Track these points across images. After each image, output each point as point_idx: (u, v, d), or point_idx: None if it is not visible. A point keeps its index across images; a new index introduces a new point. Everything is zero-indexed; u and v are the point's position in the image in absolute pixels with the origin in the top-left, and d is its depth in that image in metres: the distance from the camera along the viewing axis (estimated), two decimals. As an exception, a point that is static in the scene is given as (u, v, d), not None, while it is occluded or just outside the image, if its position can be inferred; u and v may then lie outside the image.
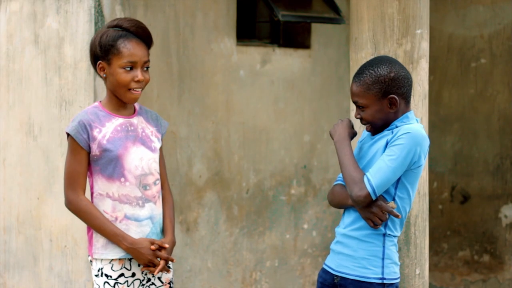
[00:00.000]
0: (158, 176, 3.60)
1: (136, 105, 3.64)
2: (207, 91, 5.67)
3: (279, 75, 6.05)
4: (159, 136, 3.65)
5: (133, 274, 3.53)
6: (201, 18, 5.60)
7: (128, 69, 3.49)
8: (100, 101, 3.60)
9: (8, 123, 5.25)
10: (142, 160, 3.54)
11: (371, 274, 3.35)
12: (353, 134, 3.47)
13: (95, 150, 3.48)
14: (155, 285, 3.59)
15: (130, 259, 3.53)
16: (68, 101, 4.96)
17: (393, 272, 3.38)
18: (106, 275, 3.50)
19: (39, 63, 5.07)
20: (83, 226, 4.93)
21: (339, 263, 3.41)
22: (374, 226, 3.34)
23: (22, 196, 5.19)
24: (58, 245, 5.04)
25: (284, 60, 6.08)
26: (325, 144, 6.30)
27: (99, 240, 3.52)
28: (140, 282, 3.55)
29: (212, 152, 5.73)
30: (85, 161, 3.51)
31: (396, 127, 3.37)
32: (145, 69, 3.53)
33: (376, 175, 3.28)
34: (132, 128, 3.56)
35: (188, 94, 5.56)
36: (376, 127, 3.43)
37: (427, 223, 4.03)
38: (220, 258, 5.79)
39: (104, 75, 3.54)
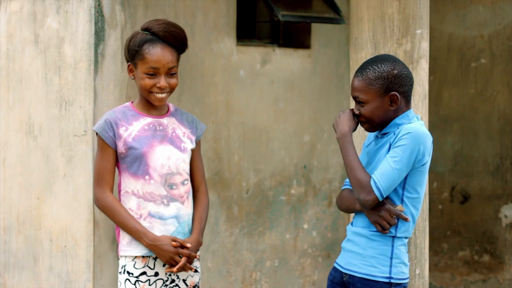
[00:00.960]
0: (187, 177, 3.62)
1: (172, 106, 3.69)
2: (207, 91, 5.67)
3: (279, 75, 6.05)
4: (193, 138, 3.67)
5: (156, 274, 3.55)
6: (201, 18, 5.60)
7: (151, 74, 3.52)
8: (132, 101, 3.64)
9: (8, 123, 5.25)
10: (169, 159, 3.56)
11: (379, 273, 3.35)
12: (355, 125, 3.45)
13: (121, 147, 3.53)
14: (179, 287, 3.59)
15: (154, 258, 3.55)
16: (68, 101, 4.97)
17: (401, 272, 3.38)
18: (128, 272, 3.53)
19: (39, 63, 5.07)
20: (83, 226, 4.94)
21: (348, 261, 3.42)
22: (383, 230, 3.34)
23: (22, 196, 5.19)
24: (58, 245, 5.04)
25: (284, 60, 6.08)
26: (325, 144, 6.30)
27: (124, 238, 3.57)
28: (164, 283, 3.56)
29: (212, 152, 5.73)
30: (112, 158, 3.55)
31: (398, 128, 3.37)
32: (171, 74, 3.55)
33: (382, 177, 3.28)
34: (161, 127, 3.59)
35: (188, 94, 5.57)
36: (374, 125, 3.42)
37: (427, 223, 4.03)
38: (220, 258, 5.79)
39: (132, 77, 3.59)
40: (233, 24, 5.79)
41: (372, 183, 3.29)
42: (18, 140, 5.19)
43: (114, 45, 4.96)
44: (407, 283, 3.42)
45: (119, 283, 3.56)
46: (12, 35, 5.21)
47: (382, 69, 3.36)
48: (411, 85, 3.42)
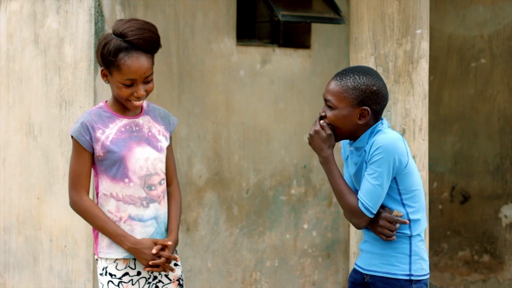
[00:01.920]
0: (163, 176, 3.59)
1: (144, 103, 3.62)
2: (207, 91, 5.67)
3: (279, 75, 6.05)
4: (167, 135, 3.63)
5: (138, 273, 3.54)
6: (201, 18, 5.60)
7: (129, 85, 3.46)
8: (106, 101, 3.59)
9: (8, 123, 5.25)
10: (147, 160, 3.53)
11: (399, 270, 3.36)
12: (333, 140, 3.40)
13: (98, 151, 3.49)
14: (163, 283, 3.58)
15: (134, 259, 3.54)
16: (68, 101, 4.96)
17: (420, 269, 3.39)
18: (111, 274, 3.51)
19: (39, 63, 5.07)
20: (83, 226, 4.94)
21: (368, 262, 3.43)
22: (387, 238, 3.35)
23: (22, 196, 5.19)
24: (58, 245, 5.04)
25: (284, 60, 6.08)
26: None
27: (104, 240, 3.53)
28: (146, 280, 3.55)
29: (212, 152, 5.73)
30: (88, 162, 3.51)
31: (367, 144, 3.34)
32: (148, 81, 3.49)
33: (367, 196, 3.30)
34: (137, 128, 3.55)
35: (188, 94, 5.56)
36: (338, 134, 3.39)
37: (427, 223, 4.03)
38: (220, 258, 5.79)
39: (107, 82, 3.53)
40: (233, 24, 5.79)
41: (360, 205, 3.31)
42: (18, 140, 5.19)
43: (114, 45, 4.95)
44: (427, 278, 3.43)
45: (100, 285, 3.53)
46: (12, 35, 5.21)
47: (362, 81, 3.32)
48: (385, 105, 3.38)
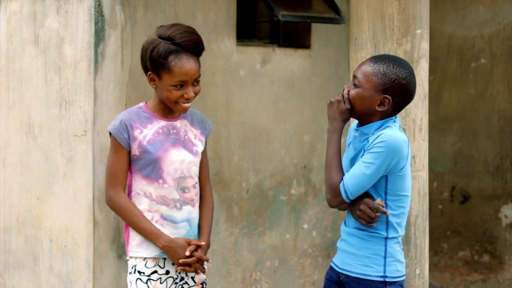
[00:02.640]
0: (197, 179, 3.63)
1: None
2: (207, 91, 5.67)
3: (279, 75, 6.05)
4: (203, 139, 3.68)
5: (167, 272, 3.58)
6: (201, 18, 5.60)
7: (179, 86, 3.51)
8: (146, 102, 3.62)
9: (8, 123, 5.25)
10: (182, 163, 3.57)
11: (373, 272, 3.36)
12: (348, 116, 3.40)
13: (135, 150, 3.53)
14: (188, 285, 3.62)
15: (164, 258, 3.56)
16: (68, 101, 4.96)
17: (395, 270, 3.38)
18: (139, 272, 3.54)
19: (39, 63, 5.07)
20: (83, 226, 4.94)
21: (343, 261, 3.43)
22: (367, 224, 3.35)
23: (22, 196, 5.19)
24: (58, 245, 5.04)
25: (284, 60, 6.08)
26: (325, 144, 6.28)
27: (134, 239, 3.57)
28: (174, 280, 3.59)
29: (212, 152, 5.73)
30: (126, 159, 3.55)
31: (373, 134, 3.34)
32: (196, 82, 3.55)
33: (351, 180, 3.30)
34: (174, 131, 3.59)
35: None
36: (352, 111, 3.39)
37: (427, 223, 4.03)
38: (220, 258, 5.79)
39: (154, 86, 3.55)
40: (233, 24, 5.79)
41: (341, 185, 3.31)
42: (18, 140, 5.19)
43: (114, 45, 4.96)
44: (403, 280, 3.42)
45: (129, 284, 3.58)
46: (12, 35, 5.21)
47: (394, 70, 3.32)
48: (407, 102, 3.38)
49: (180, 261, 3.52)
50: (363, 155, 3.32)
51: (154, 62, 3.50)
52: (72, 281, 4.98)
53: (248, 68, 5.89)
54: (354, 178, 3.29)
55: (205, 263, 3.64)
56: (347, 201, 3.32)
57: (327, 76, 6.31)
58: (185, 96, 3.54)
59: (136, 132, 3.53)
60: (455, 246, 6.93)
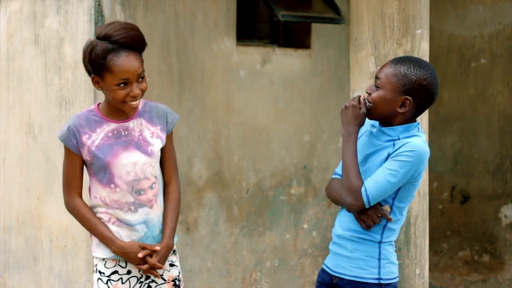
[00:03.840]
0: (155, 180, 3.53)
1: (141, 103, 3.55)
2: (207, 91, 5.67)
3: (279, 75, 6.05)
4: (163, 135, 3.56)
5: (129, 272, 3.53)
6: (201, 18, 5.60)
7: (122, 85, 3.40)
8: (98, 104, 3.54)
9: (8, 123, 5.25)
10: (135, 165, 3.49)
11: (368, 274, 3.35)
12: (363, 119, 3.38)
13: (85, 155, 3.47)
14: (156, 283, 3.56)
15: None
16: (68, 101, 4.96)
17: (390, 272, 3.38)
18: (100, 272, 3.51)
19: (39, 63, 5.07)
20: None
21: (336, 264, 3.42)
22: (366, 227, 3.35)
23: (22, 196, 5.19)
24: (58, 245, 5.04)
25: (284, 60, 6.08)
26: (325, 144, 6.30)
27: (94, 238, 3.55)
28: (138, 280, 3.54)
29: (212, 152, 5.72)
30: (79, 164, 3.50)
31: (399, 139, 3.34)
32: (141, 79, 3.43)
33: (374, 186, 3.27)
34: (126, 133, 3.50)
35: (188, 94, 5.56)
36: (373, 113, 3.37)
37: (427, 223, 4.03)
38: (220, 258, 5.79)
39: (99, 89, 3.46)
40: (233, 24, 5.78)
41: (363, 189, 3.28)
42: (18, 140, 5.19)
43: (114, 45, 4.95)
44: (397, 282, 3.42)
45: (94, 282, 3.55)
46: (12, 35, 5.21)
47: (415, 72, 3.30)
48: (430, 103, 3.36)
49: (136, 267, 3.49)
50: (385, 160, 3.30)
51: (94, 64, 3.40)
52: (72, 281, 4.98)
53: (248, 68, 5.89)
54: (377, 184, 3.27)
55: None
56: (367, 206, 3.29)
57: (327, 76, 6.31)
58: (131, 94, 3.40)
59: (84, 138, 3.46)
60: (455, 246, 6.93)
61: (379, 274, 3.35)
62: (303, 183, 6.21)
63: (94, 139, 3.47)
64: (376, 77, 3.37)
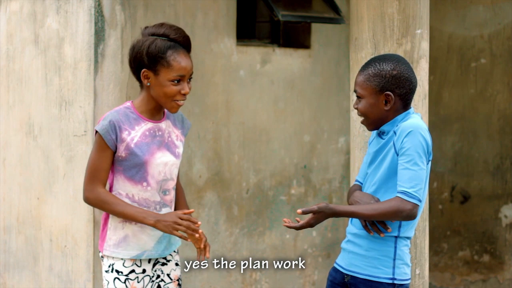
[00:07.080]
0: (175, 181, 3.64)
1: None
2: (207, 91, 5.67)
3: (279, 75, 6.05)
4: (183, 139, 3.68)
5: (144, 271, 3.58)
6: (201, 18, 5.60)
7: (176, 81, 3.51)
8: (132, 101, 3.59)
9: (8, 123, 5.25)
10: (166, 165, 3.57)
11: (382, 274, 3.35)
12: (329, 210, 3.40)
13: (121, 151, 3.51)
14: (164, 282, 3.63)
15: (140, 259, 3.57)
16: (68, 101, 4.97)
17: (404, 273, 3.38)
18: (117, 271, 3.54)
19: (39, 63, 5.08)
20: (83, 226, 4.94)
21: (350, 262, 3.42)
22: (370, 231, 3.36)
23: (22, 196, 5.19)
24: (58, 245, 5.04)
25: (284, 60, 6.08)
26: (325, 144, 6.30)
27: (111, 238, 3.56)
28: (150, 278, 3.60)
29: (212, 152, 5.73)
30: (110, 159, 3.52)
31: (396, 125, 3.36)
32: (189, 80, 3.58)
33: (408, 184, 3.26)
34: (159, 133, 3.58)
35: (188, 94, 5.56)
36: (369, 122, 3.42)
37: (427, 223, 4.03)
38: (220, 258, 5.79)
39: (148, 84, 3.52)
40: (233, 24, 5.79)
41: (400, 195, 3.26)
42: (18, 140, 5.19)
43: (114, 45, 4.96)
44: (409, 284, 3.42)
45: (106, 282, 3.56)
46: (12, 35, 5.21)
47: (382, 67, 3.35)
48: (411, 88, 3.38)
49: (176, 221, 3.48)
50: (395, 153, 3.30)
51: (152, 58, 3.49)
52: (72, 281, 4.98)
53: (248, 68, 5.89)
54: (411, 180, 3.26)
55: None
56: (419, 203, 3.26)
57: (327, 76, 6.31)
58: (182, 91, 3.54)
59: (124, 134, 3.50)
60: (455, 246, 6.93)
61: (393, 274, 3.35)
62: (303, 183, 6.21)
63: (133, 136, 3.52)
64: (354, 91, 3.42)
